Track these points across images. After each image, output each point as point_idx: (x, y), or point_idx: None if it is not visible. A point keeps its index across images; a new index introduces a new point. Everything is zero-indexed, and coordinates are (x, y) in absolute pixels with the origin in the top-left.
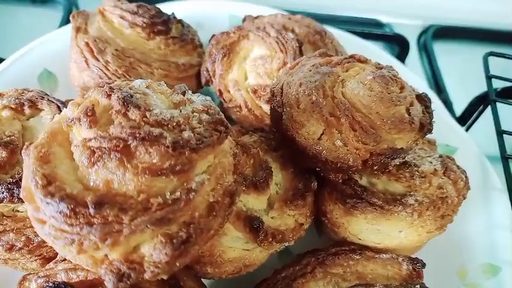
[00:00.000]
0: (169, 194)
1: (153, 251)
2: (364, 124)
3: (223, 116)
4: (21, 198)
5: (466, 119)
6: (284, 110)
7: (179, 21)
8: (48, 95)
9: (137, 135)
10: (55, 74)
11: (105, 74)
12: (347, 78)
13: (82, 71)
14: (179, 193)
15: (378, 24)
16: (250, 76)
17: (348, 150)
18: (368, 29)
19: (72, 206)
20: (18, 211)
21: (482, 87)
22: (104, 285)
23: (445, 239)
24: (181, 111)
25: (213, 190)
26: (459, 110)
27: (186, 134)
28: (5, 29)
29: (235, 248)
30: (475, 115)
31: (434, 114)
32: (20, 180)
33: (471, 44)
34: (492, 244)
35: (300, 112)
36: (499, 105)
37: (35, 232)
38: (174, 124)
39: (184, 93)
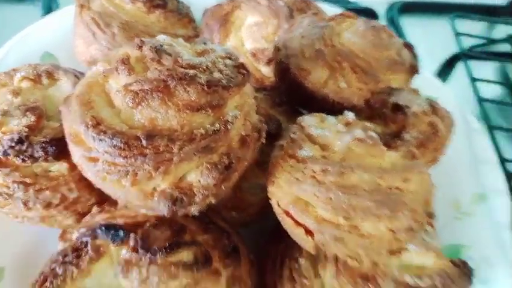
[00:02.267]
0: (209, 126)
1: (200, 177)
2: (364, 67)
3: (243, 61)
4: (54, 156)
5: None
6: (290, 60)
7: None
8: (62, 67)
9: (175, 76)
10: (56, 55)
11: (113, 45)
12: (342, 31)
13: (89, 45)
14: (218, 125)
15: (346, 2)
16: (247, 42)
17: (352, 90)
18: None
19: (125, 140)
20: (50, 171)
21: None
22: (146, 224)
23: (438, 176)
24: (206, 58)
25: (243, 125)
26: None
27: (217, 75)
28: None
29: (255, 193)
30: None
31: None
32: (52, 139)
33: (437, 17)
34: (478, 176)
35: (305, 60)
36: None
37: (70, 189)
38: (204, 67)
39: (205, 43)
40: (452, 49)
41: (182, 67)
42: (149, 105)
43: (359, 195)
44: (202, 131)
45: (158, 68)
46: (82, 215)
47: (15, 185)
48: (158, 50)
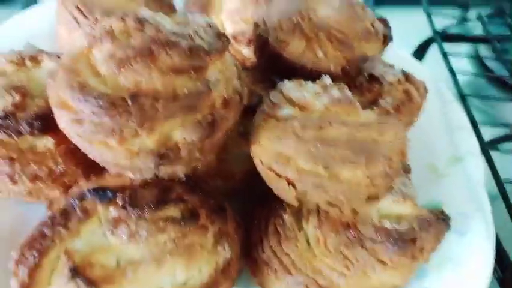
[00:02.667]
0: (192, 86)
1: (186, 134)
2: (339, 37)
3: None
4: (40, 130)
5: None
6: (269, 34)
7: None
8: (45, 51)
9: (158, 41)
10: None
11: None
12: (318, 6)
13: (72, 31)
14: (200, 85)
15: None
16: (227, 25)
17: (328, 59)
18: None
19: (111, 100)
20: (36, 146)
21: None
22: (132, 186)
23: (416, 142)
24: (187, 27)
25: (225, 88)
26: None
27: (198, 41)
28: None
29: (240, 162)
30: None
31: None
32: (38, 115)
33: (410, 8)
34: (453, 141)
35: (284, 33)
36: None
37: (56, 163)
38: (186, 35)
39: (185, 15)
40: (427, 36)
41: (164, 35)
42: (133, 69)
43: (337, 146)
44: (186, 91)
45: (141, 36)
46: (69, 187)
47: (1, 160)
48: (141, 20)
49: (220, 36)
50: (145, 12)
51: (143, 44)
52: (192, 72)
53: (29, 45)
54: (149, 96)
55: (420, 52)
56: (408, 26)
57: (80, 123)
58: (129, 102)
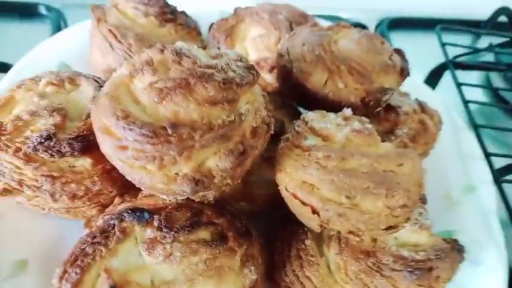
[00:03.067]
0: (225, 117)
1: (219, 162)
2: (359, 69)
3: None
4: (80, 151)
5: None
6: (293, 65)
7: (183, 12)
8: (82, 73)
9: (195, 74)
10: (71, 66)
11: (129, 55)
12: (339, 39)
13: (106, 55)
14: (233, 116)
15: (338, 19)
16: (251, 52)
17: (349, 90)
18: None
19: (152, 129)
20: (75, 166)
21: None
22: (167, 207)
23: (430, 171)
24: (220, 60)
25: (254, 118)
26: None
27: (231, 74)
28: None
29: (262, 186)
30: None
31: None
32: (78, 136)
33: (424, 32)
34: (466, 170)
35: (307, 65)
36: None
37: (93, 182)
38: (220, 68)
39: (218, 48)
40: (439, 61)
41: (200, 67)
42: (172, 100)
43: (359, 177)
44: (220, 122)
45: (179, 68)
46: (105, 206)
47: (43, 178)
48: (179, 53)
49: (250, 69)
50: (181, 44)
51: (182, 77)
52: (225, 103)
53: (64, 65)
54: (187, 126)
55: (433, 78)
56: (421, 50)
57: (123, 149)
58: (169, 131)
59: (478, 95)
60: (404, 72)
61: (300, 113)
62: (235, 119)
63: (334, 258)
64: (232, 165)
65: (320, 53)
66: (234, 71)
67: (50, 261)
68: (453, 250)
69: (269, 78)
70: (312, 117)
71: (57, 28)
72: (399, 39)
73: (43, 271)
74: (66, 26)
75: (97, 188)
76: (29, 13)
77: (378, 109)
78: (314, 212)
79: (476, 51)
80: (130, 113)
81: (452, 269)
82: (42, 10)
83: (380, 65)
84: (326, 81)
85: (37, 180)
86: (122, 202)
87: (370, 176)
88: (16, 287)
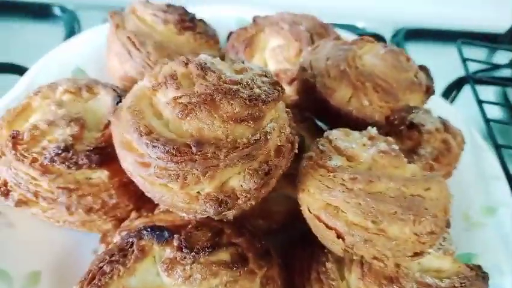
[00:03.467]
0: (250, 136)
1: (243, 182)
2: (385, 86)
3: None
4: (97, 163)
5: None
6: (317, 79)
7: (201, 20)
8: (100, 81)
9: (220, 90)
10: (86, 71)
11: (147, 63)
12: (363, 54)
13: (124, 62)
14: (259, 135)
15: (354, 28)
16: (270, 63)
17: (373, 108)
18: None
19: (177, 146)
20: (91, 178)
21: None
22: (183, 227)
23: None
24: (245, 75)
25: (278, 136)
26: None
27: (257, 90)
28: (8, 44)
29: (281, 202)
30: (453, 94)
31: None
32: (95, 148)
33: (440, 43)
34: (486, 190)
35: (331, 80)
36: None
37: (110, 195)
38: (245, 83)
39: (243, 62)
40: (454, 74)
41: (225, 83)
42: (196, 117)
43: (386, 201)
44: (245, 140)
45: (204, 83)
46: (120, 220)
47: (60, 191)
48: (204, 67)
49: (276, 84)
50: (205, 58)
51: (207, 92)
52: (251, 121)
53: (79, 70)
54: (212, 144)
55: (449, 92)
56: (437, 62)
57: (145, 166)
58: (194, 149)
59: (494, 111)
60: (429, 91)
61: (320, 128)
62: (260, 137)
63: (356, 283)
64: (256, 185)
65: (345, 68)
66: (259, 87)
67: (63, 273)
68: (478, 278)
69: (288, 91)
70: (337, 135)
71: (70, 29)
72: (415, 50)
73: (56, 283)
74: (80, 27)
75: (114, 201)
76: (42, 14)
77: (401, 127)
78: (339, 236)
79: (496, 67)
80: (153, 128)
81: None
82: (57, 11)
83: (406, 83)
84: (350, 98)
85: (53, 192)
86: (139, 217)
87: (397, 201)
88: None
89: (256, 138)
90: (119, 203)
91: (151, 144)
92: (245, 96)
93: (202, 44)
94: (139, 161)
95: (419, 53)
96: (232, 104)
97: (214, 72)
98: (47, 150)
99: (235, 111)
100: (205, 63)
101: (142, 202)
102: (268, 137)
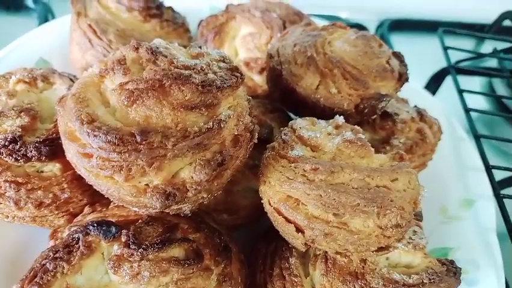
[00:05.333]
0: (202, 124)
1: (193, 173)
2: (354, 73)
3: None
4: (47, 156)
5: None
6: (283, 67)
7: (170, 8)
8: (57, 71)
9: (170, 75)
10: (50, 62)
11: (108, 52)
12: (333, 40)
13: (85, 51)
14: (211, 123)
15: (337, 19)
16: (241, 51)
17: (342, 96)
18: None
19: (119, 136)
20: (43, 171)
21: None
22: (136, 222)
23: (426, 183)
24: (201, 60)
25: (236, 125)
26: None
27: (211, 76)
28: None
29: (247, 196)
30: (436, 85)
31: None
32: (46, 140)
33: (425, 34)
34: (465, 182)
35: (298, 67)
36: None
37: (62, 190)
38: (199, 68)
39: (200, 47)
40: (439, 65)
41: (177, 68)
42: (144, 104)
43: (349, 193)
44: (196, 129)
45: (153, 68)
46: (74, 215)
47: (7, 184)
48: (154, 51)
49: (234, 70)
50: (159, 42)
51: (155, 78)
52: (204, 108)
53: (42, 61)
54: (158, 133)
55: (434, 82)
56: (422, 54)
57: (88, 157)
58: (138, 138)
59: (480, 102)
60: (402, 78)
61: (291, 118)
62: (213, 126)
63: (319, 279)
64: (208, 177)
65: (312, 54)
66: (215, 72)
67: (15, 269)
68: (449, 273)
69: (259, 80)
70: (301, 124)
71: (44, 21)
72: (401, 42)
73: (8, 279)
74: (54, 18)
75: (66, 195)
76: (15, 6)
77: (374, 116)
78: (299, 230)
79: (480, 56)
80: (97, 116)
81: None
82: (29, 3)
83: (377, 69)
84: (317, 86)
85: (0, 186)
86: (92, 212)
87: (361, 192)
88: None
89: (208, 126)
90: (71, 197)
91: (92, 133)
92: (197, 81)
93: (170, 32)
94: (81, 151)
95: (404, 44)
96: (182, 90)
97: (166, 56)
98: None
99: (186, 97)
100: (157, 48)
101: (97, 196)
102: (223, 126)
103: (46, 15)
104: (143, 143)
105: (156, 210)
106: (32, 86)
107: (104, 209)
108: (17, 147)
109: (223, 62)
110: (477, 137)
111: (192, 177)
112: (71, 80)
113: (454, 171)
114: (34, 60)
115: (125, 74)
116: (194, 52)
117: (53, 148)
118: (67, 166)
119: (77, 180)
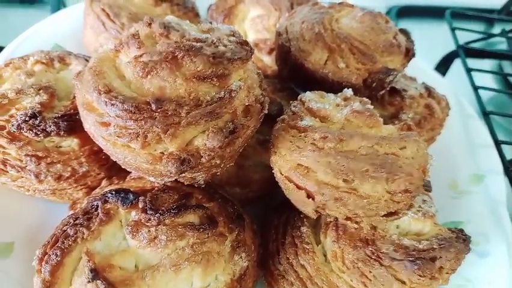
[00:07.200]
0: (214, 93)
1: (206, 140)
2: (361, 48)
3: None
4: (66, 131)
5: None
6: (291, 43)
7: None
8: (73, 53)
9: (183, 47)
10: (64, 47)
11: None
12: (341, 17)
13: (99, 34)
14: (223, 92)
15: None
16: (250, 33)
17: (350, 70)
18: None
19: (135, 104)
20: (61, 146)
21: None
22: (151, 191)
23: (437, 159)
24: (211, 34)
25: (246, 96)
26: None
27: (222, 48)
28: None
29: (258, 170)
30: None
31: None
32: (64, 115)
33: (434, 21)
34: (474, 158)
35: (306, 43)
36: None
37: (80, 163)
38: (210, 42)
39: (210, 23)
40: (448, 50)
41: (189, 41)
42: (158, 75)
43: (357, 159)
44: (208, 98)
45: (166, 41)
46: (92, 188)
47: (28, 158)
48: (167, 26)
49: (244, 44)
50: (171, 18)
51: (169, 50)
52: (215, 79)
53: (57, 47)
54: (172, 101)
55: (443, 66)
56: (432, 39)
57: (105, 126)
58: (153, 106)
59: (489, 82)
60: (409, 53)
61: None
62: (224, 95)
63: (330, 246)
64: (221, 143)
65: (320, 30)
66: (225, 45)
67: (36, 244)
68: (458, 240)
69: (268, 61)
70: (310, 97)
71: None
72: (409, 28)
73: (29, 253)
74: None
75: (84, 169)
76: None
77: (382, 92)
78: (309, 196)
79: (488, 36)
80: (114, 88)
81: (456, 260)
82: None
83: (384, 45)
84: (325, 61)
85: (21, 160)
86: (109, 185)
87: (370, 159)
88: (2, 270)
89: (220, 96)
90: (89, 171)
91: (109, 102)
92: (208, 53)
93: (180, 16)
94: (98, 120)
95: (411, 30)
96: (194, 61)
97: (178, 31)
98: (14, 118)
99: (198, 68)
100: (169, 23)
101: (114, 171)
102: (233, 95)
103: (59, 7)
104: (158, 110)
105: (171, 177)
106: (49, 67)
107: (121, 182)
108: (37, 122)
109: (233, 36)
110: (485, 114)
111: (205, 144)
112: (86, 60)
113: (463, 148)
114: (49, 47)
115: (139, 47)
116: (205, 27)
117: (71, 123)
118: (84, 141)
119: (95, 155)
